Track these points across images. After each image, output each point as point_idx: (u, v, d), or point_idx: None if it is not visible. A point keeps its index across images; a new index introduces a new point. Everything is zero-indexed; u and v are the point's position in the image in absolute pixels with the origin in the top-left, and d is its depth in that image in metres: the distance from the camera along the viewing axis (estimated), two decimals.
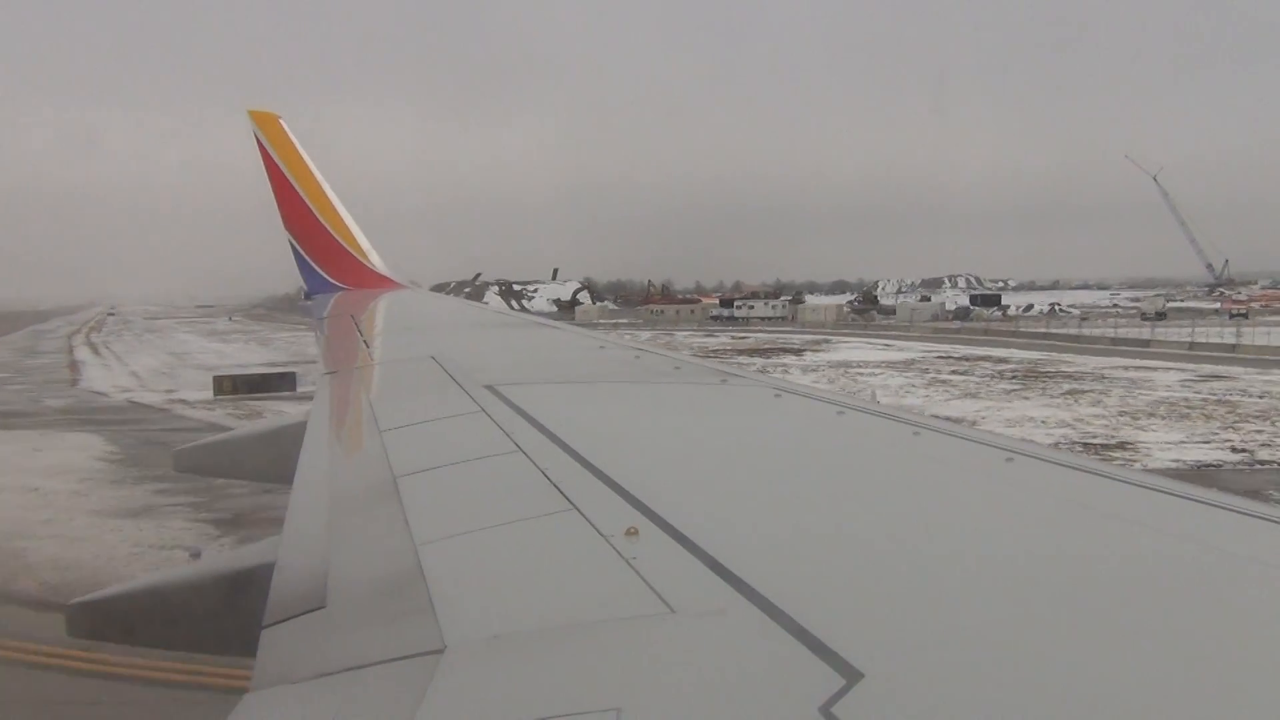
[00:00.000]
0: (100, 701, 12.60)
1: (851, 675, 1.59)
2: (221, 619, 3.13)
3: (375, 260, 14.53)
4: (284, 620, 2.35)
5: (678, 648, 1.83)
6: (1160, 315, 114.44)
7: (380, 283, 14.33)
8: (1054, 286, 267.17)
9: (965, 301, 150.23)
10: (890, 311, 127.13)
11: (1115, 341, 77.12)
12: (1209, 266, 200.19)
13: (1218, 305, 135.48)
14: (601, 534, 2.45)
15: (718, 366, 6.10)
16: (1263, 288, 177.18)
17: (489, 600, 2.23)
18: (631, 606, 2.00)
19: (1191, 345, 70.53)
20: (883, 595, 2.04)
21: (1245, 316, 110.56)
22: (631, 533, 2.42)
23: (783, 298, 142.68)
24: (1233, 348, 67.59)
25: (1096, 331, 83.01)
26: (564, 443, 3.48)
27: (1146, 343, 74.71)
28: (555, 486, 2.93)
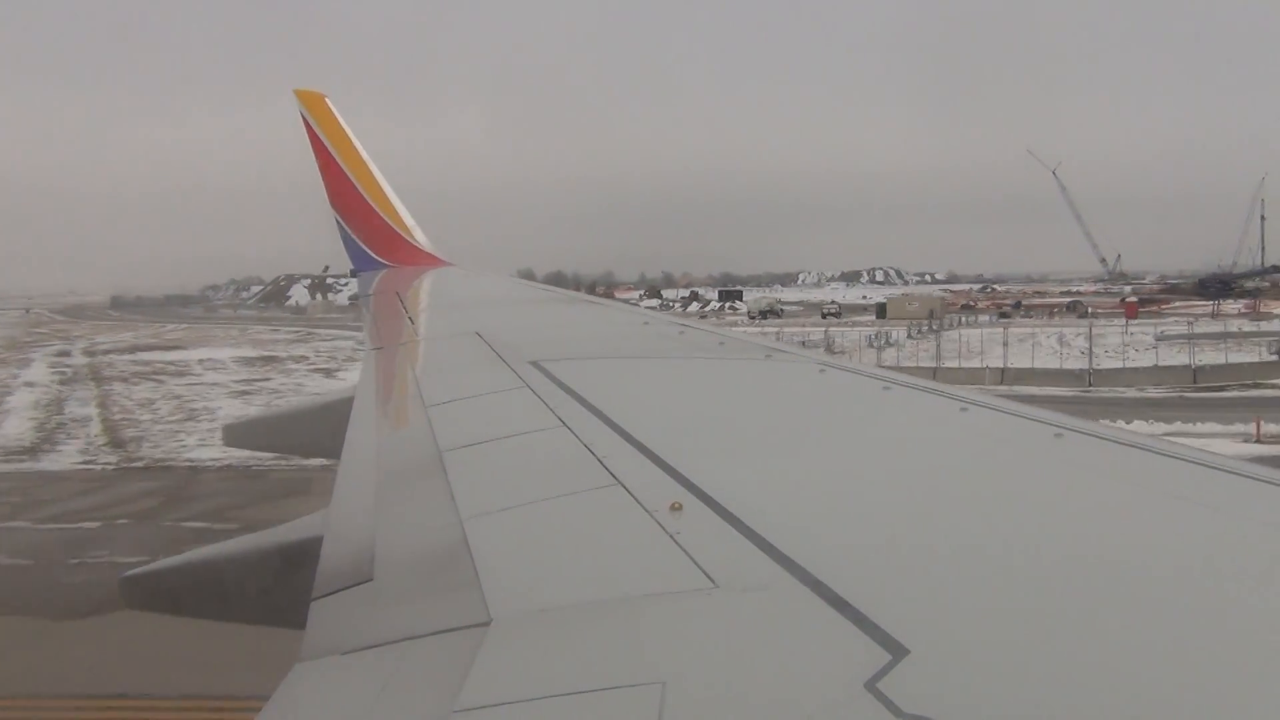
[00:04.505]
0: None
1: (897, 651, 1.58)
2: (271, 591, 3.20)
3: (420, 237, 14.59)
4: (333, 593, 2.39)
5: (722, 622, 1.83)
6: (767, 314, 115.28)
7: (425, 260, 14.40)
8: (979, 280, 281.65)
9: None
10: None
11: None
12: (1102, 261, 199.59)
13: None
14: (646, 509, 2.45)
15: (763, 343, 6.07)
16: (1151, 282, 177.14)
17: (534, 574, 2.24)
18: (675, 581, 2.00)
19: None
20: (928, 571, 2.03)
21: (838, 316, 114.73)
22: (675, 508, 2.42)
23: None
24: None
25: None
26: (608, 418, 3.49)
27: None
28: (600, 462, 2.93)
